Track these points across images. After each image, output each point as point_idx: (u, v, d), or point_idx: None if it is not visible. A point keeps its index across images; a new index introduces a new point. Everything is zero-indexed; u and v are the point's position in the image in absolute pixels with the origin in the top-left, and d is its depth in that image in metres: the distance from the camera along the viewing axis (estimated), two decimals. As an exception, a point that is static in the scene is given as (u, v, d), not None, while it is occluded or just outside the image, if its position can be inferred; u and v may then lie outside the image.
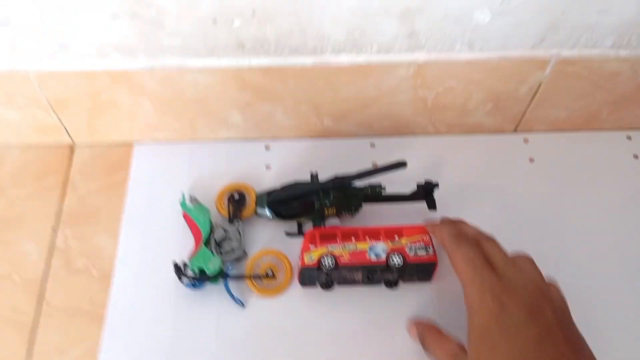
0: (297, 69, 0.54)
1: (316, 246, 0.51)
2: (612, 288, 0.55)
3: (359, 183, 0.55)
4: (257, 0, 0.47)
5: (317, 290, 0.55)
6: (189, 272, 0.54)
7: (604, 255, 0.57)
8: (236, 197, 0.59)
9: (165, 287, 0.55)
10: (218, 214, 0.59)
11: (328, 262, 0.50)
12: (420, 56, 0.53)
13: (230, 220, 0.57)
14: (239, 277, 0.55)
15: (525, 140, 0.65)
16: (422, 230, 0.52)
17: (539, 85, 0.58)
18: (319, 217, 0.56)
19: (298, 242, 0.57)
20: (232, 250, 0.55)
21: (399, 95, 0.58)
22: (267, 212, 0.56)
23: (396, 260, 0.50)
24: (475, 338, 0.41)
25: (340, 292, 0.55)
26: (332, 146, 0.65)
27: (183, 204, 0.58)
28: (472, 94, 0.58)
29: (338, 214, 0.56)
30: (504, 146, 0.64)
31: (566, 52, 0.54)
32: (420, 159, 0.62)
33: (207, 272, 0.53)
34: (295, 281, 0.55)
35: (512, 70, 0.55)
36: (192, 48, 0.52)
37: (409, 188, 0.57)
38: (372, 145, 0.65)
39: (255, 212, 0.58)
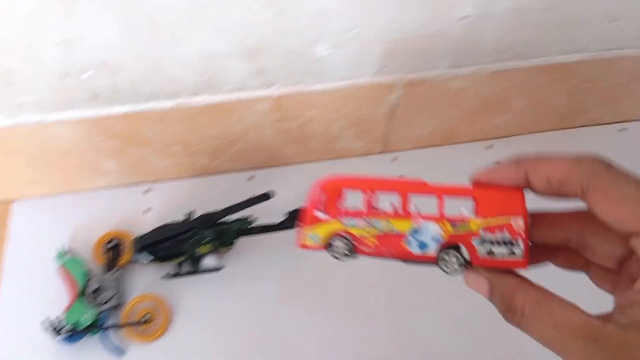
0: (157, 113, 0.55)
1: (327, 217, 0.32)
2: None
3: (230, 218, 0.57)
4: (105, 51, 0.49)
5: (198, 326, 0.56)
6: (66, 326, 0.53)
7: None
8: (112, 245, 0.59)
9: (45, 345, 0.54)
10: (95, 264, 0.59)
11: (340, 247, 0.32)
12: (273, 91, 0.56)
13: (107, 269, 0.57)
14: (116, 326, 0.55)
15: (394, 159, 0.69)
16: (513, 206, 0.30)
17: (394, 107, 0.61)
18: (193, 257, 0.57)
19: (177, 283, 0.58)
20: (109, 299, 0.56)
21: (264, 129, 0.60)
22: (142, 256, 0.57)
23: (454, 260, 0.31)
24: None
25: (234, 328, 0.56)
26: (210, 183, 0.66)
27: (59, 257, 0.58)
28: (333, 122, 0.61)
29: (213, 251, 0.58)
30: (375, 167, 0.68)
31: (410, 75, 0.58)
32: (295, 187, 0.64)
33: (80, 324, 0.53)
34: (176, 323, 0.55)
35: (363, 96, 0.59)
36: (49, 102, 0.53)
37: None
38: (251, 178, 0.67)
39: (132, 258, 0.58)
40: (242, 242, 0.59)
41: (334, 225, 0.32)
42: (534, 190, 0.30)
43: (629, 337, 0.25)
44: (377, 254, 0.32)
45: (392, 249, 0.31)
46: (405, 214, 0.31)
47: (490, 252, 0.30)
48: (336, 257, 0.32)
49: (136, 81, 0.52)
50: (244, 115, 0.58)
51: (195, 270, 0.58)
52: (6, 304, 0.57)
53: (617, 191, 0.27)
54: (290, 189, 0.61)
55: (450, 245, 0.31)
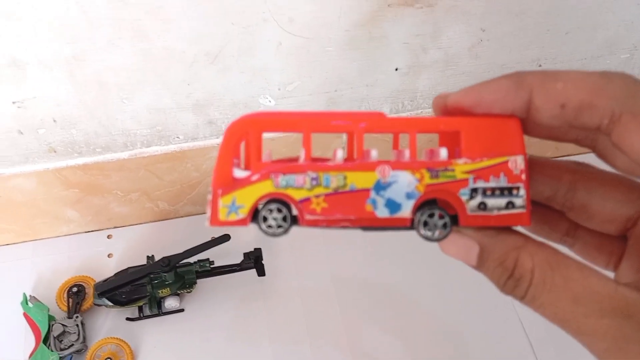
0: (114, 162, 0.58)
1: (251, 174, 0.23)
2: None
3: (190, 260, 0.59)
4: (57, 109, 0.52)
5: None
6: (29, 373, 0.55)
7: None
8: (75, 290, 0.61)
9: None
10: (58, 310, 0.61)
11: (274, 217, 0.23)
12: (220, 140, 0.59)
13: (70, 314, 0.59)
14: (77, 371, 0.56)
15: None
16: (509, 140, 0.23)
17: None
18: (154, 300, 0.59)
19: (140, 326, 0.60)
20: (72, 344, 0.57)
21: (219, 174, 0.63)
22: (103, 301, 0.59)
23: (437, 221, 0.23)
24: None
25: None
26: (172, 226, 0.69)
27: (23, 304, 0.60)
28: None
29: (174, 293, 0.60)
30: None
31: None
32: (256, 227, 0.67)
33: (44, 369, 0.55)
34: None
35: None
36: (8, 157, 0.55)
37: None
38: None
39: (94, 303, 0.60)
40: (203, 282, 0.61)
41: (263, 187, 0.23)
42: (538, 119, 0.22)
43: None
44: (327, 222, 0.23)
45: (349, 213, 0.23)
46: (367, 162, 0.23)
47: (483, 206, 0.23)
48: (268, 233, 0.23)
49: (90, 135, 0.55)
50: (200, 162, 0.61)
51: (158, 312, 0.60)
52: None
53: None
54: (251, 229, 0.63)
55: (428, 201, 0.23)
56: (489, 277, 0.22)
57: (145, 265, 0.60)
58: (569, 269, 0.21)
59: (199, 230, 0.68)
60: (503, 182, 0.23)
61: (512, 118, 0.23)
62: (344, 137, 0.25)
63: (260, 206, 0.23)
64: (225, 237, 0.59)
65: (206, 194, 0.65)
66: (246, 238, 0.61)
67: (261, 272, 0.61)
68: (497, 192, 0.23)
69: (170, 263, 0.58)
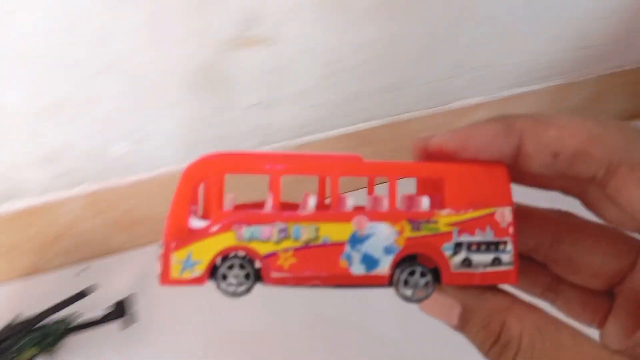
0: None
1: (210, 225, 0.21)
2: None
3: (53, 319, 0.57)
4: None
5: None
6: None
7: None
8: None
9: None
10: None
11: (235, 275, 0.21)
12: (84, 188, 0.57)
13: None
14: None
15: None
16: (496, 190, 0.21)
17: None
18: None
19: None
20: None
21: (85, 223, 0.61)
22: None
23: (418, 280, 0.21)
24: None
25: None
26: (39, 282, 0.65)
27: None
28: (158, 205, 0.63)
29: (42, 353, 0.56)
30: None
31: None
32: (129, 274, 0.65)
33: None
34: None
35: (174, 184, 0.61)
36: None
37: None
38: (86, 268, 0.67)
39: None
40: (75, 338, 0.58)
41: (223, 239, 0.20)
42: (527, 167, 0.20)
43: None
44: (295, 280, 0.20)
45: (320, 270, 0.20)
46: (342, 212, 0.20)
47: (467, 262, 0.21)
48: (228, 292, 0.20)
49: None
50: (59, 215, 0.59)
51: None
52: None
53: None
54: (126, 276, 0.62)
55: (408, 256, 0.21)
56: (472, 341, 0.20)
57: (4, 328, 0.57)
58: (560, 335, 0.19)
59: (65, 284, 0.64)
60: (489, 236, 0.21)
61: (499, 165, 0.21)
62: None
63: (218, 262, 0.20)
64: (82, 294, 0.56)
65: (74, 244, 0.63)
66: (120, 286, 0.60)
67: (129, 322, 0.59)
68: (483, 247, 0.21)
69: (30, 325, 0.55)
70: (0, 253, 0.60)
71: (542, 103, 0.72)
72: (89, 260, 0.67)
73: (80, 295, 0.56)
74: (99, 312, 0.59)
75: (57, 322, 0.57)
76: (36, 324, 0.56)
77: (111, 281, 0.59)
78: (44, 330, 0.56)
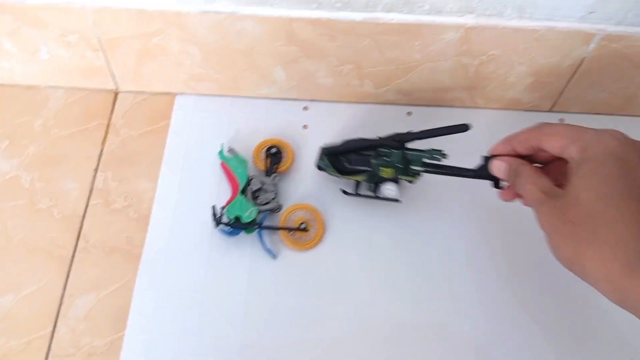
0: (346, 23, 0.55)
1: None
2: None
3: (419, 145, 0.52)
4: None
5: (348, 247, 0.56)
6: (225, 219, 0.55)
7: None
8: (273, 151, 0.60)
9: (200, 232, 0.56)
10: (255, 167, 0.60)
11: None
12: (469, 20, 0.54)
13: (267, 173, 0.58)
14: (272, 228, 0.55)
15: (561, 121, 0.65)
16: None
17: (582, 61, 0.58)
18: (375, 176, 0.54)
19: (334, 201, 0.58)
20: (268, 201, 0.56)
21: (442, 62, 0.59)
22: (327, 164, 0.55)
23: None
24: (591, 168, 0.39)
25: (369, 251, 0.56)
26: (369, 111, 0.65)
27: (221, 154, 0.59)
28: (514, 66, 0.59)
29: (395, 179, 0.54)
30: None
31: (612, 28, 0.54)
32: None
33: (243, 219, 0.54)
34: (327, 238, 0.56)
35: (557, 43, 0.56)
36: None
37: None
38: (409, 113, 0.65)
39: (316, 165, 0.57)
40: (426, 180, 0.54)
41: None
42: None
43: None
44: None
45: None
46: None
47: None
48: None
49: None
50: (429, 42, 0.56)
51: (373, 195, 0.55)
52: (166, 185, 0.59)
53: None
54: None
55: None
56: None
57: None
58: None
59: (395, 121, 0.64)
60: None
61: None
62: None
63: None
64: (464, 126, 0.49)
65: (416, 82, 0.60)
66: (463, 139, 0.55)
67: (498, 185, 0.50)
68: None
69: (403, 140, 0.52)
70: (352, 68, 0.60)
71: None
72: (416, 105, 0.66)
73: (462, 127, 0.49)
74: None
75: (423, 153, 0.52)
76: (405, 143, 0.53)
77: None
78: (410, 155, 0.53)
